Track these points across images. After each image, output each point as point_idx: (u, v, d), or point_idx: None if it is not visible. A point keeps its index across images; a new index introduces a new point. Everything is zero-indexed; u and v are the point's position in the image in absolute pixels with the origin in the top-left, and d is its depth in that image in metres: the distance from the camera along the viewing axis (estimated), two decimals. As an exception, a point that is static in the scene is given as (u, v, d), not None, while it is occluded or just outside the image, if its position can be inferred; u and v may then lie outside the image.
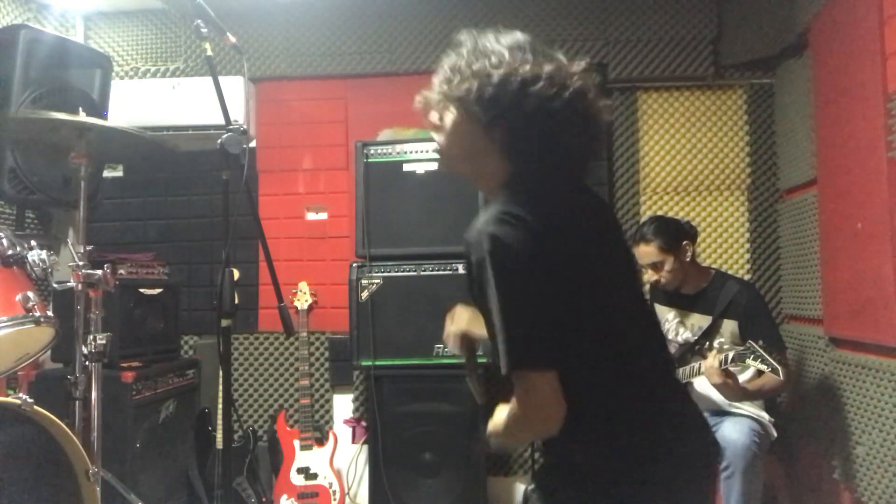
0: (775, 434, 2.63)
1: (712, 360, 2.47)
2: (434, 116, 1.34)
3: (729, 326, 2.65)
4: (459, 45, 1.29)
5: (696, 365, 2.59)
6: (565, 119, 1.23)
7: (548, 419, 1.18)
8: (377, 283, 3.06)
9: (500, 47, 1.25)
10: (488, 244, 1.16)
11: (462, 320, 1.52)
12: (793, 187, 3.10)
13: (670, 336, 2.80)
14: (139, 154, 2.47)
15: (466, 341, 1.50)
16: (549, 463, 1.43)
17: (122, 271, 2.98)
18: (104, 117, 2.99)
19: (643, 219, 3.14)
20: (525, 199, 1.22)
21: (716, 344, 2.63)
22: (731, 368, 2.44)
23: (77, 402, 2.15)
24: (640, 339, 1.32)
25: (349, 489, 3.40)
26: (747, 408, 2.61)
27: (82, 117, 2.12)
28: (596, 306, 1.24)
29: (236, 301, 1.98)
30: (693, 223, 2.96)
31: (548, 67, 1.22)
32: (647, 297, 2.89)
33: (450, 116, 1.30)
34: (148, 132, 2.21)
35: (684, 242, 2.71)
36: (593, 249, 1.29)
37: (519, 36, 1.28)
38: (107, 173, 3.54)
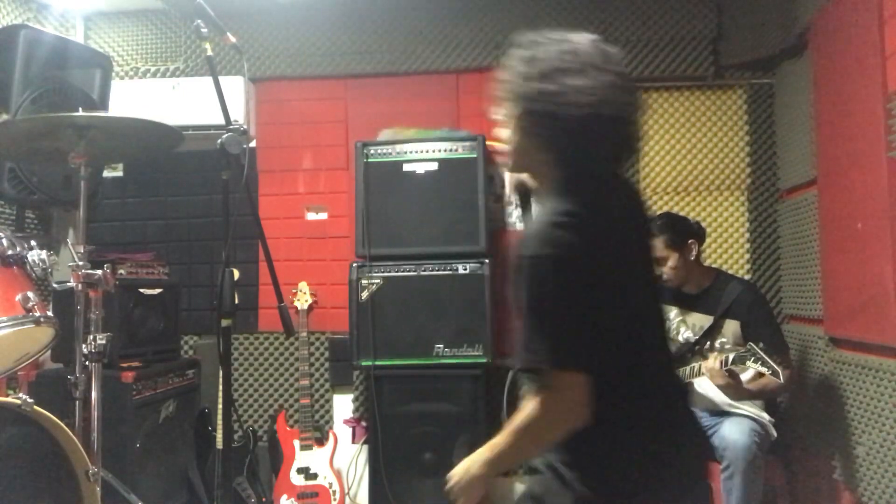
0: (775, 434, 2.63)
1: (713, 362, 2.47)
2: (500, 111, 1.37)
3: (731, 327, 2.65)
4: (519, 47, 1.32)
5: (696, 365, 2.60)
6: (599, 129, 1.25)
7: (576, 419, 1.19)
8: (377, 283, 3.06)
9: (551, 57, 1.26)
10: (537, 244, 1.19)
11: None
12: (793, 187, 3.10)
13: (671, 334, 2.80)
14: (141, 147, 2.45)
15: None
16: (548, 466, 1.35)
17: (122, 271, 2.98)
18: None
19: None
20: (573, 201, 1.24)
21: (717, 344, 2.63)
22: (732, 369, 2.44)
23: (77, 402, 2.14)
24: (652, 339, 1.33)
25: (349, 489, 3.40)
26: (747, 408, 2.60)
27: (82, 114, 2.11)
28: (625, 307, 1.26)
29: (236, 301, 1.98)
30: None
31: (580, 82, 1.23)
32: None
33: (512, 114, 1.33)
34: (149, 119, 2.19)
35: (690, 241, 2.72)
36: (628, 251, 1.32)
37: (573, 44, 1.29)
38: (107, 173, 3.54)
